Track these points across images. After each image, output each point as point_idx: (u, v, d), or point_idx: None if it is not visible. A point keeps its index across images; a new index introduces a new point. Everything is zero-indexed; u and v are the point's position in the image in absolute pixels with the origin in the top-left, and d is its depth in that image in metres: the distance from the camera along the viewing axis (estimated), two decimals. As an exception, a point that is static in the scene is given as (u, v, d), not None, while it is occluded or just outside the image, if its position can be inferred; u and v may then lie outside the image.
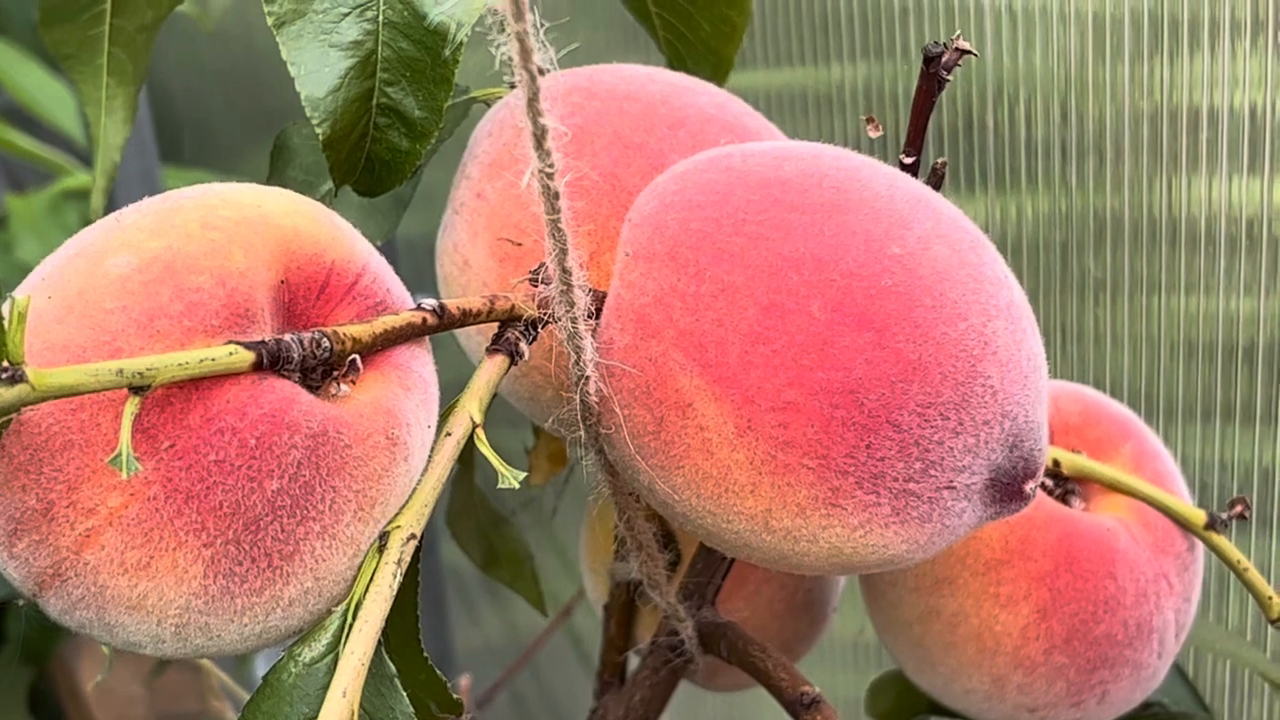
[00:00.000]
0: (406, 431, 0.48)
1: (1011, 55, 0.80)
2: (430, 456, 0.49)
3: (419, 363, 0.50)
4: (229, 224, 0.47)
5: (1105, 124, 0.77)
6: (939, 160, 0.56)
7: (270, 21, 0.55)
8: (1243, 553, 0.65)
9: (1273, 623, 0.65)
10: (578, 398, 0.51)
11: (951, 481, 0.48)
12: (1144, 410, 0.81)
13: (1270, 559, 0.78)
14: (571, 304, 0.49)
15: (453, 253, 0.62)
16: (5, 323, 0.39)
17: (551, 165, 0.45)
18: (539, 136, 0.44)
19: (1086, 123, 0.78)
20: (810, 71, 0.93)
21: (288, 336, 0.46)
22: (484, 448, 0.48)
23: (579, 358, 0.50)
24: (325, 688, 0.44)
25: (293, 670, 0.45)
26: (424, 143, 0.57)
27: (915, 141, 0.56)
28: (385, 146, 0.57)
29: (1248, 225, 0.73)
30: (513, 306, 0.51)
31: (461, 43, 0.56)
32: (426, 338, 0.51)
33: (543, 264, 0.50)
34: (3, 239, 1.35)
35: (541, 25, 0.42)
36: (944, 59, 0.53)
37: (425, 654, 0.52)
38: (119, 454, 0.40)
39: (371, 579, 0.46)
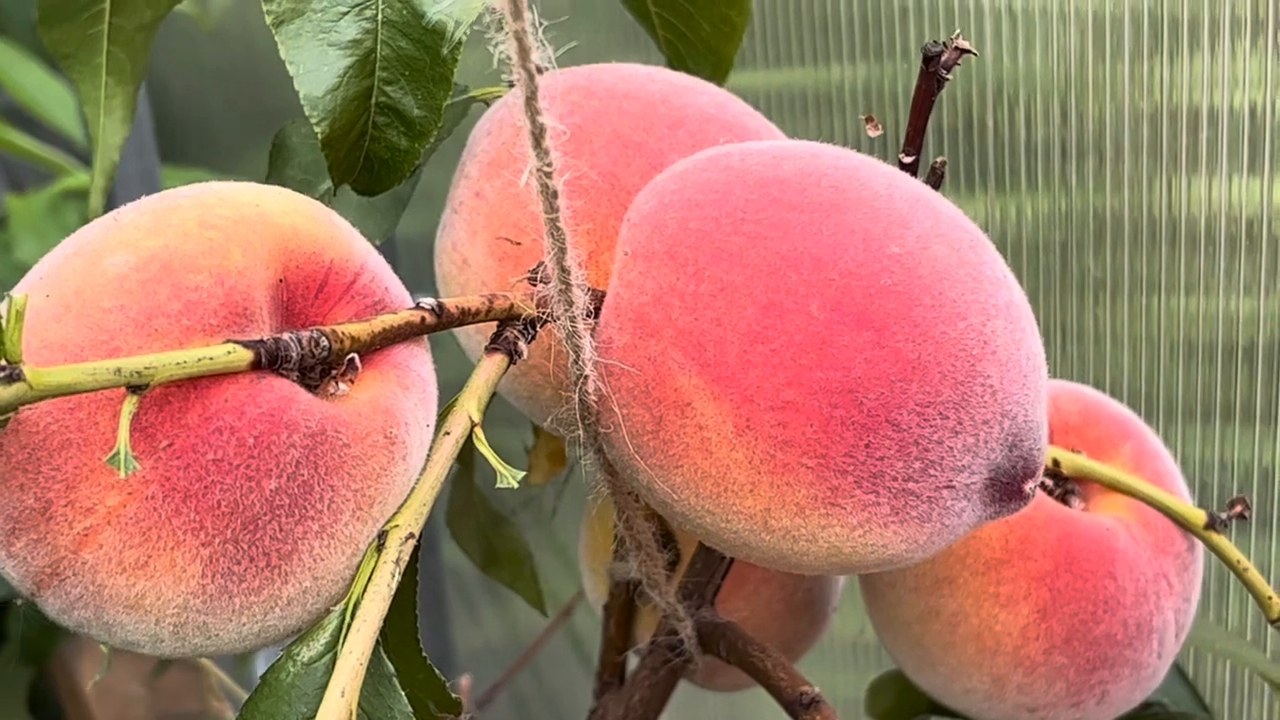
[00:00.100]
0: (405, 430, 0.48)
1: (1011, 55, 0.80)
2: (429, 456, 0.49)
3: (417, 362, 0.50)
4: (227, 223, 0.47)
5: (1105, 124, 0.77)
6: (938, 160, 0.56)
7: (269, 20, 0.55)
8: (1242, 553, 0.65)
9: (1272, 623, 0.65)
10: (576, 397, 0.51)
11: (951, 481, 0.48)
12: (1144, 410, 0.81)
13: (1270, 559, 0.78)
14: (570, 303, 0.49)
15: (451, 251, 0.62)
16: (3, 321, 0.39)
17: (550, 164, 0.45)
18: (537, 135, 0.44)
19: (1086, 122, 0.78)
20: (810, 71, 0.93)
21: (286, 335, 0.46)
22: (483, 447, 0.48)
23: (578, 357, 0.50)
24: (323, 687, 0.44)
25: (291, 670, 0.45)
26: (423, 141, 0.57)
27: (914, 141, 0.56)
28: (384, 145, 0.57)
29: (1247, 225, 0.73)
30: (511, 305, 0.51)
31: (460, 41, 0.55)
32: (425, 337, 0.51)
33: (541, 263, 0.50)
34: (2, 239, 1.35)
35: (540, 24, 0.42)
36: (943, 58, 0.53)
37: (424, 653, 0.52)
38: (117, 453, 0.40)
39: (370, 578, 0.46)
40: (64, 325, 0.44)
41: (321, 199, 0.58)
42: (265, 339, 0.45)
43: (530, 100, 0.43)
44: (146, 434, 0.43)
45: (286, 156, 0.66)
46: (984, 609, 0.63)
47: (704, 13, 0.72)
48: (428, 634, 0.53)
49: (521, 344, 0.51)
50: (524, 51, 0.42)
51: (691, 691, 0.76)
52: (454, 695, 0.53)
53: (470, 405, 0.49)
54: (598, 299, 0.52)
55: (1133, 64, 0.75)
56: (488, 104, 0.66)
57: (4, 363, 0.39)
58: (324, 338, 0.47)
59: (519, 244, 0.58)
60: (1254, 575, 0.65)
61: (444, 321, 0.50)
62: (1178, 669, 0.74)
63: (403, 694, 0.46)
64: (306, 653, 0.45)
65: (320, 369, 0.48)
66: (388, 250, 0.55)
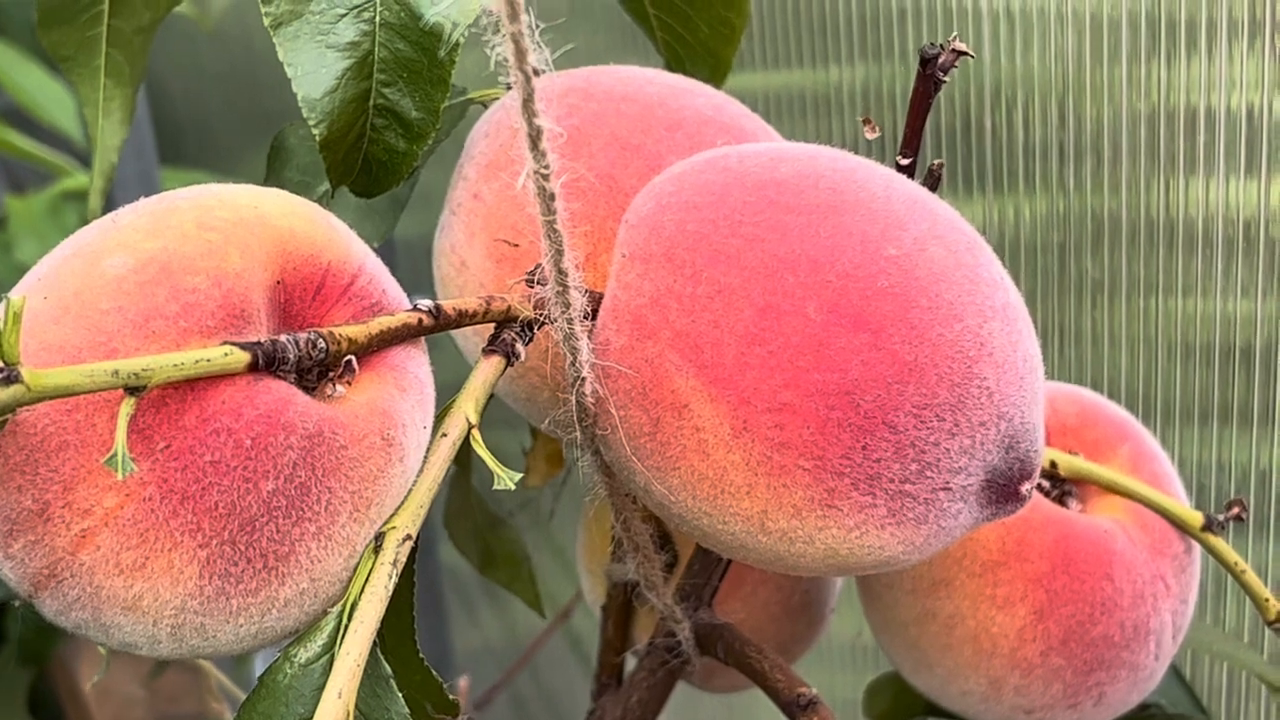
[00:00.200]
0: (402, 432, 0.48)
1: (1009, 57, 0.80)
2: (426, 457, 0.49)
3: (415, 363, 0.50)
4: (225, 225, 0.47)
5: (1103, 125, 0.77)
6: (935, 161, 0.56)
7: (267, 22, 0.55)
8: (1240, 554, 0.65)
9: (1270, 624, 0.65)
10: (574, 399, 0.51)
11: (947, 483, 0.48)
12: (1141, 412, 0.81)
13: (1267, 561, 0.78)
14: (568, 305, 0.49)
15: (450, 254, 0.62)
16: (1, 323, 0.39)
17: (547, 166, 0.45)
18: (534, 137, 0.44)
19: (1084, 124, 0.78)
20: (808, 73, 0.93)
21: (283, 337, 0.46)
22: (480, 449, 0.48)
23: (575, 359, 0.51)
24: (321, 689, 0.44)
25: (288, 671, 0.45)
26: (421, 144, 0.57)
27: (912, 143, 0.56)
28: (382, 147, 0.57)
29: (1245, 227, 0.73)
30: (509, 307, 0.51)
31: (458, 43, 0.56)
32: (423, 339, 0.51)
33: (539, 265, 0.50)
34: (2, 240, 1.35)
35: (537, 26, 0.42)
36: (940, 60, 0.54)
37: (421, 655, 0.52)
38: (114, 454, 0.40)
39: (367, 580, 0.46)
40: (62, 327, 0.44)
41: (320, 201, 0.58)
42: (263, 341, 0.45)
43: (527, 102, 0.43)
44: (144, 435, 0.43)
45: (285, 158, 0.66)
46: (981, 611, 0.63)
47: (702, 15, 0.72)
48: (425, 635, 0.53)
49: (519, 346, 0.51)
50: (521, 53, 0.42)
51: (689, 693, 0.76)
52: (451, 697, 0.53)
53: (468, 407, 0.49)
54: (595, 301, 0.52)
55: (1130, 66, 0.75)
56: (485, 106, 0.66)
57: (2, 364, 0.39)
58: (321, 339, 0.47)
59: (517, 246, 0.58)
60: (1251, 577, 0.65)
61: (441, 323, 0.50)
62: (1175, 671, 0.74)
63: (400, 695, 0.46)
64: (304, 654, 0.45)
65: (318, 371, 0.48)
66: (386, 252, 0.55)
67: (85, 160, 1.42)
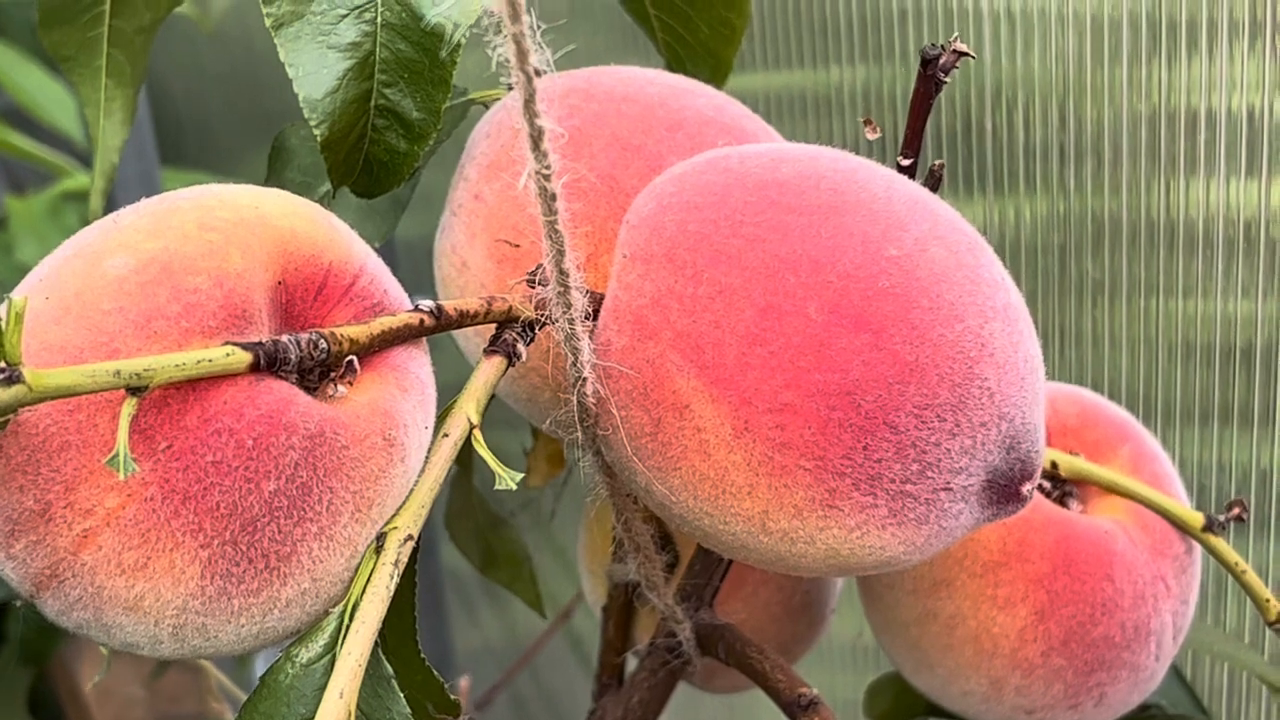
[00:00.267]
0: (404, 433, 0.48)
1: (1010, 58, 0.80)
2: (427, 458, 0.49)
3: (416, 364, 0.50)
4: (226, 225, 0.47)
5: (1103, 127, 0.77)
6: (936, 162, 0.56)
7: (269, 23, 0.55)
8: (1240, 555, 0.65)
9: (1270, 625, 0.65)
10: (575, 399, 0.51)
11: (948, 483, 0.48)
12: (1142, 412, 0.81)
13: (1268, 561, 0.78)
14: (569, 305, 0.49)
15: (451, 254, 0.62)
16: (3, 323, 0.39)
17: (548, 166, 0.45)
18: (535, 138, 0.44)
19: (1085, 125, 0.78)
20: (809, 74, 0.93)
21: (285, 338, 0.46)
22: (481, 449, 0.48)
23: (576, 359, 0.51)
24: (322, 689, 0.44)
25: (290, 671, 0.45)
26: (422, 144, 0.57)
27: (913, 143, 0.56)
28: (383, 148, 0.58)
29: (1245, 228, 0.73)
30: (510, 308, 0.51)
31: (459, 44, 0.56)
32: (424, 339, 0.51)
33: (540, 265, 0.50)
34: (2, 240, 1.35)
35: (539, 27, 0.42)
36: (941, 61, 0.54)
37: (422, 655, 0.52)
38: (116, 455, 0.40)
39: (368, 580, 0.46)
40: (63, 327, 0.44)
41: (321, 201, 0.58)
42: (264, 341, 0.45)
43: (529, 103, 0.43)
44: (145, 436, 0.43)
45: (286, 159, 0.66)
46: (982, 611, 0.63)
47: (703, 15, 0.72)
48: (426, 635, 0.53)
49: (520, 346, 0.51)
50: (522, 54, 0.42)
51: (690, 693, 0.76)
52: (453, 697, 0.53)
53: (469, 407, 0.49)
54: (596, 301, 0.52)
55: (1131, 67, 0.75)
56: (486, 106, 0.66)
57: (4, 365, 0.39)
58: (323, 340, 0.47)
59: (518, 246, 0.58)
60: (1252, 577, 0.65)
61: (443, 324, 0.50)
62: (1175, 671, 0.74)
63: (401, 695, 0.46)
64: (305, 654, 0.45)
65: (319, 371, 0.48)
66: (387, 252, 0.55)
67: (86, 161, 1.42)
